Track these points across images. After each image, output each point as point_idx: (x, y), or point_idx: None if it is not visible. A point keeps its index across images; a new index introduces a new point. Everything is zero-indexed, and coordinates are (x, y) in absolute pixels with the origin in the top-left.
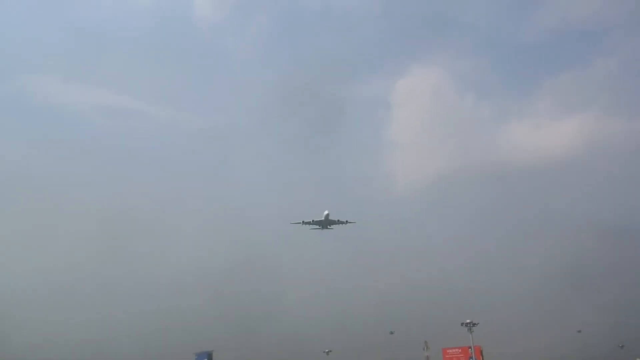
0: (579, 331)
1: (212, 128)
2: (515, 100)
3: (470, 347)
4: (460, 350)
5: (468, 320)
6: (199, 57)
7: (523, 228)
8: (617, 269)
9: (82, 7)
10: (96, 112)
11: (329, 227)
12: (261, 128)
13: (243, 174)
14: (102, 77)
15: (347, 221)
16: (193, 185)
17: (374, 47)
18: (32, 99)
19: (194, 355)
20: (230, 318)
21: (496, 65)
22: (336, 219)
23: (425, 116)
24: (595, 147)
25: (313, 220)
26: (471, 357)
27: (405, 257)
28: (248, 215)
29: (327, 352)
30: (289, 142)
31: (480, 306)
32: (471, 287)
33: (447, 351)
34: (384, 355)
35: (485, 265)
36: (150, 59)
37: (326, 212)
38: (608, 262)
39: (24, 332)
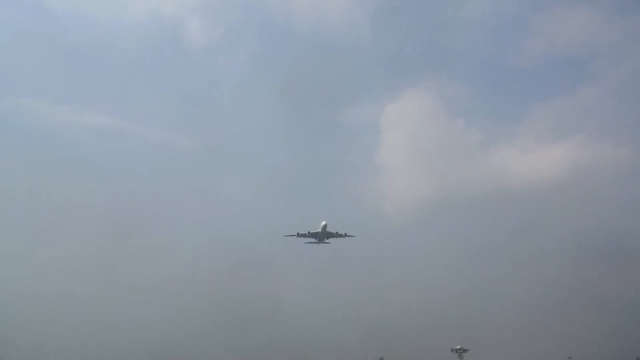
0: (570, 358)
1: (202, 148)
2: (504, 126)
3: None
4: None
5: (458, 347)
6: (189, 78)
7: (512, 252)
8: (606, 291)
9: (74, 29)
10: (87, 133)
11: (325, 240)
12: (252, 149)
13: (234, 193)
14: (93, 98)
15: (345, 234)
16: (183, 205)
17: (365, 72)
18: (22, 121)
19: None
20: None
21: (486, 91)
22: (334, 232)
23: (416, 140)
24: (582, 172)
25: (309, 232)
26: None
27: (395, 282)
28: (238, 234)
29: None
30: (279, 164)
31: (471, 332)
32: (461, 313)
33: None
34: None
35: (476, 290)
36: (141, 80)
37: (324, 223)
38: (596, 286)
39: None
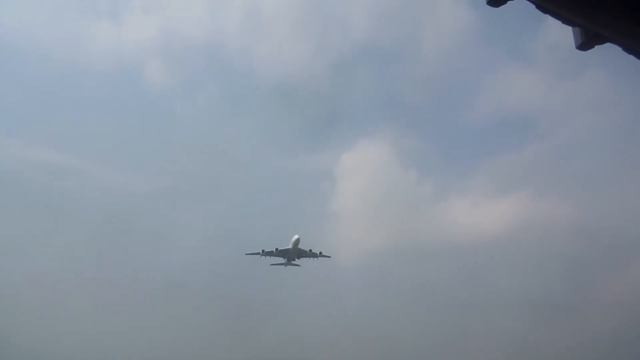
0: None
1: (155, 190)
2: (454, 179)
3: None
4: None
5: None
6: (146, 120)
7: (460, 305)
8: (545, 347)
9: (30, 63)
10: (33, 169)
11: (295, 261)
12: (206, 192)
13: (186, 236)
14: (43, 133)
15: (320, 253)
16: (133, 248)
17: (322, 121)
18: None
19: None
20: None
21: (438, 144)
22: (307, 249)
23: (369, 190)
24: (528, 227)
25: (277, 250)
26: None
27: (342, 332)
28: (189, 281)
29: None
30: (233, 206)
31: None
32: None
33: None
34: None
35: (426, 344)
36: (95, 119)
37: (296, 237)
38: (537, 340)
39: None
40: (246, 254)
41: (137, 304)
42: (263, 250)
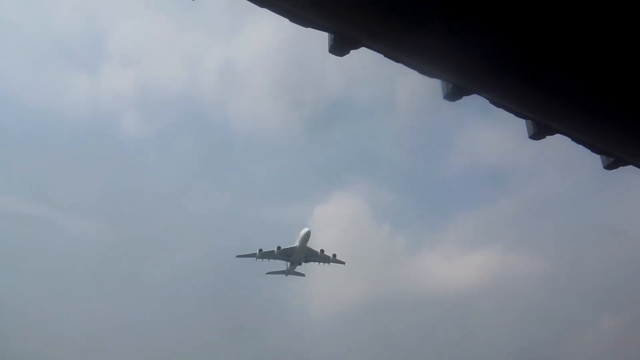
0: None
1: (127, 240)
2: (428, 233)
3: None
4: None
5: None
6: (119, 169)
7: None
8: None
9: (3, 114)
10: (5, 219)
11: (300, 265)
12: (180, 242)
13: (155, 286)
14: (11, 181)
15: (334, 256)
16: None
17: (296, 173)
18: None
19: None
20: None
21: (411, 198)
22: (318, 250)
23: (342, 243)
24: (501, 281)
25: (279, 249)
26: None
27: None
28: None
29: None
30: (204, 260)
31: None
32: None
33: None
34: None
35: None
36: (70, 169)
37: (306, 230)
38: None
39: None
40: (238, 256)
41: None
42: (260, 250)
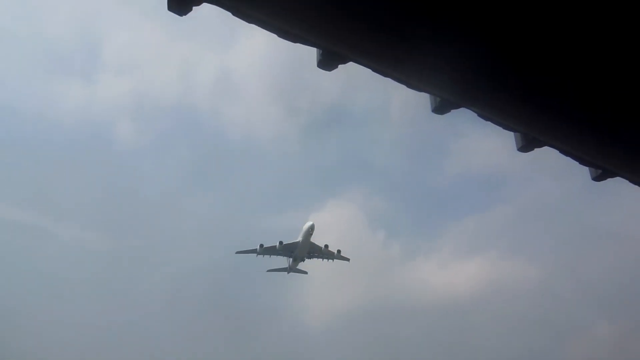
0: None
1: (121, 249)
2: (422, 240)
3: None
4: None
5: None
6: (114, 178)
7: None
8: None
9: None
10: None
11: (303, 262)
12: (175, 251)
13: (149, 296)
14: (6, 190)
15: (339, 252)
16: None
17: (291, 181)
18: None
19: None
20: None
21: (406, 206)
22: (322, 245)
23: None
24: (496, 288)
25: (281, 244)
26: None
27: None
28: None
29: None
30: (199, 270)
31: None
32: None
33: None
34: None
35: None
36: (62, 177)
37: (310, 224)
38: None
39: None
40: (237, 252)
41: None
42: (261, 246)
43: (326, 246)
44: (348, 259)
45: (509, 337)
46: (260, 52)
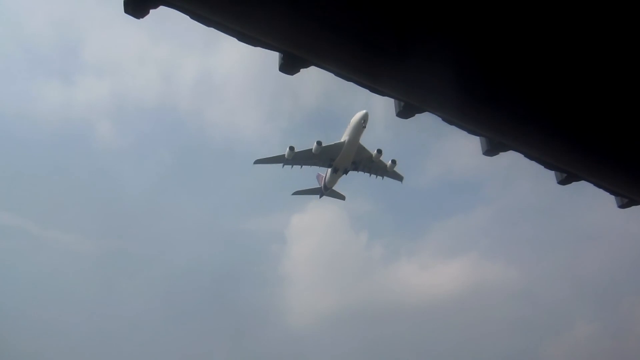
0: None
1: (102, 252)
2: (404, 242)
3: None
4: None
5: None
6: (94, 180)
7: None
8: None
9: None
10: None
11: (346, 174)
12: (155, 254)
13: (131, 302)
14: None
15: (394, 164)
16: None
17: (274, 182)
18: None
19: None
20: None
21: (388, 207)
22: (373, 151)
23: (320, 252)
24: (477, 289)
25: (319, 145)
26: None
27: None
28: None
29: None
30: (180, 272)
31: None
32: None
33: None
34: None
35: None
36: (41, 178)
37: (363, 112)
38: None
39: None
40: (256, 162)
41: None
42: (292, 149)
43: (379, 151)
44: (402, 178)
45: (489, 338)
46: (242, 55)
